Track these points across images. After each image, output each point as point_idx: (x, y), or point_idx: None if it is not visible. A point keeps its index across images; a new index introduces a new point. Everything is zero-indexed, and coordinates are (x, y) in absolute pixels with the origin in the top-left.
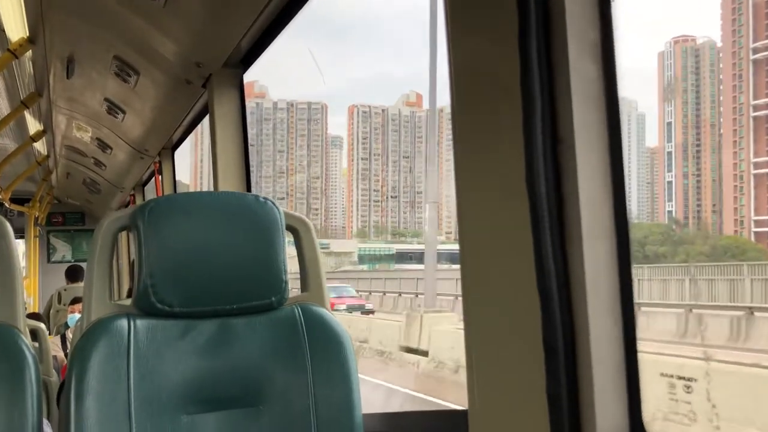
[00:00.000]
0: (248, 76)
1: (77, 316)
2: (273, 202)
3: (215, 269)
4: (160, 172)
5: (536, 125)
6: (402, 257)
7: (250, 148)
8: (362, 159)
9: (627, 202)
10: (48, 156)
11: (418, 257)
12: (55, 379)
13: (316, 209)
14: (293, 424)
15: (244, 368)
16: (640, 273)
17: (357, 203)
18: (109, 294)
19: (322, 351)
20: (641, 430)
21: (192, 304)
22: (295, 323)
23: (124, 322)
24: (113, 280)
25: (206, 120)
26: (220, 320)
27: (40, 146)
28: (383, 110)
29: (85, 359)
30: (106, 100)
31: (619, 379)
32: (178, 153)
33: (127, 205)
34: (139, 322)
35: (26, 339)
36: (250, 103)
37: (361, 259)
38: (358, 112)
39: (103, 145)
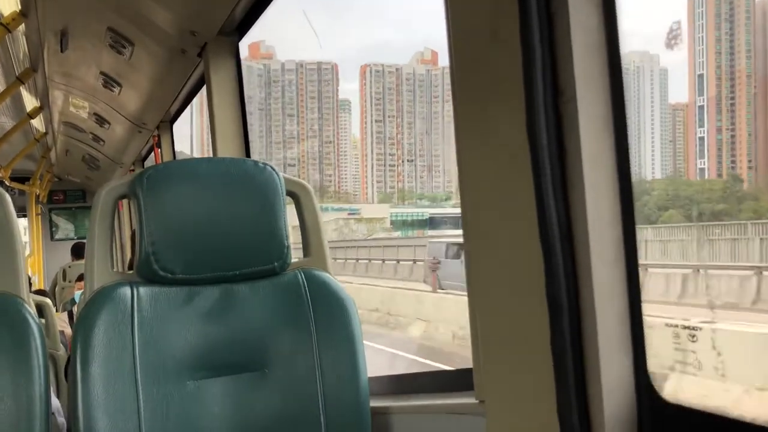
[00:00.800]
0: (253, 37)
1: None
2: (273, 167)
3: (216, 235)
4: (159, 146)
5: (536, 77)
6: (436, 222)
7: (258, 112)
8: (376, 121)
9: (630, 155)
10: (46, 133)
11: (453, 222)
12: (62, 353)
13: (329, 175)
14: (299, 387)
15: (248, 333)
16: (705, 233)
17: (372, 168)
18: (111, 263)
19: (326, 315)
20: (647, 382)
21: (194, 270)
22: (298, 288)
23: (127, 290)
24: (115, 252)
25: (204, 90)
26: (223, 286)
27: (37, 123)
28: (397, 69)
29: (89, 327)
30: (102, 73)
31: (624, 333)
32: (176, 126)
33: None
34: (142, 289)
35: (30, 308)
36: (257, 65)
37: (395, 225)
38: (370, 72)
39: (101, 120)
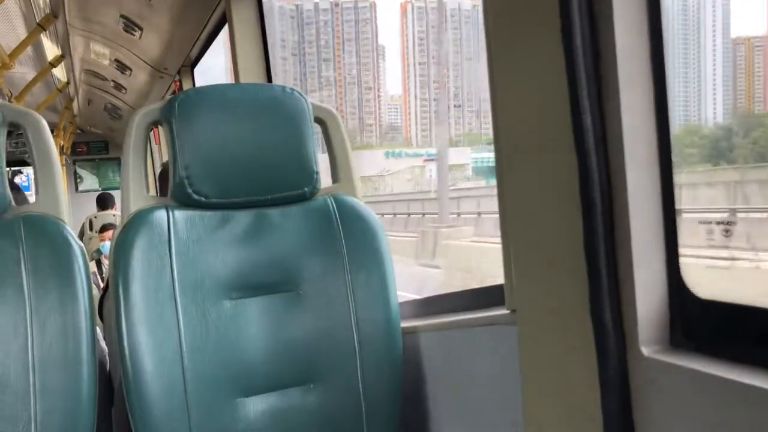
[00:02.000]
0: None
1: (108, 244)
2: (300, 93)
3: (247, 160)
4: (181, 91)
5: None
6: None
7: (291, 57)
8: (420, 64)
9: (665, 53)
10: (68, 82)
11: None
12: (95, 293)
13: (370, 125)
14: (331, 307)
15: (281, 255)
16: None
17: (416, 115)
18: (146, 187)
19: (356, 238)
20: (680, 280)
21: (227, 194)
22: (328, 212)
23: (162, 213)
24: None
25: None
26: (255, 210)
27: (59, 73)
28: (440, 3)
29: (128, 249)
30: (122, 16)
31: (657, 233)
32: (197, 70)
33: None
34: (177, 212)
35: (71, 230)
36: (289, 5)
37: (477, 172)
38: (412, 9)
39: (122, 67)
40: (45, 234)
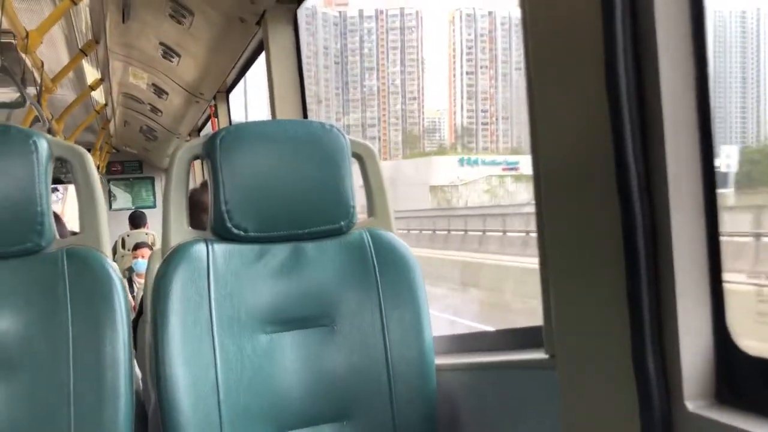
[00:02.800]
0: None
1: (141, 261)
2: (339, 129)
3: (286, 194)
4: (216, 116)
5: (616, 22)
6: None
7: (334, 65)
8: (467, 73)
9: (710, 95)
10: (106, 104)
11: None
12: None
13: (415, 137)
14: (366, 343)
15: (317, 290)
16: None
17: (461, 127)
18: (187, 221)
19: (391, 274)
20: (725, 333)
21: (266, 228)
22: (363, 247)
23: (202, 247)
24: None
25: (260, 60)
26: (292, 244)
27: (98, 95)
28: (490, 12)
29: (168, 282)
30: (161, 43)
31: (702, 283)
32: (232, 96)
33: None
34: (216, 246)
35: (112, 263)
36: (332, 12)
37: None
38: (461, 16)
39: (159, 91)
40: (87, 267)
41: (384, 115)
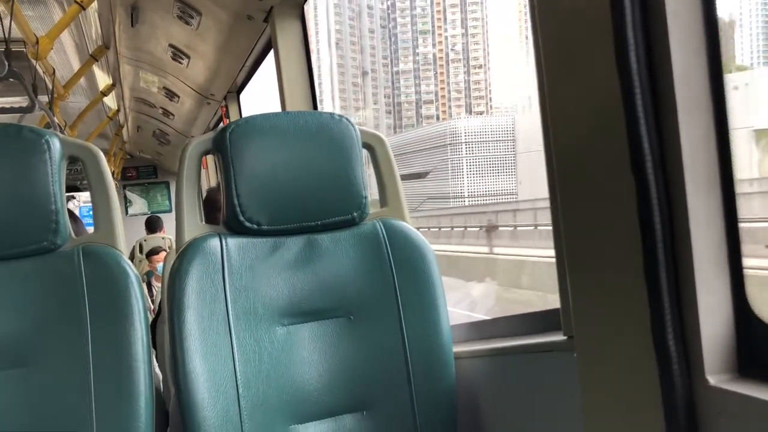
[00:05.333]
0: None
1: (161, 265)
2: (348, 119)
3: (298, 187)
4: (228, 116)
5: (626, 14)
6: None
7: (380, 30)
8: None
9: (723, 71)
10: (118, 110)
11: None
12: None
13: (481, 113)
14: (383, 332)
15: (332, 281)
16: None
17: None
18: (199, 215)
19: (406, 263)
20: (746, 305)
21: (278, 221)
22: (377, 236)
23: (216, 241)
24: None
25: (269, 58)
26: (305, 237)
27: (110, 101)
28: None
29: (183, 276)
30: (171, 46)
31: (720, 257)
32: (243, 95)
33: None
34: (230, 240)
35: (127, 260)
36: None
37: None
38: None
39: (170, 94)
40: (103, 264)
41: (443, 89)
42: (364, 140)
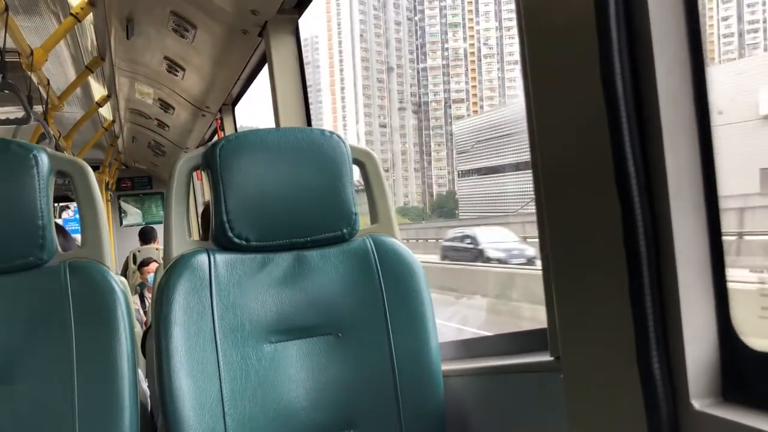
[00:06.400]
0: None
1: (152, 275)
2: (339, 136)
3: (287, 203)
4: (222, 129)
5: (611, 24)
6: None
7: (407, 23)
8: None
9: (708, 93)
10: (113, 121)
11: None
12: (138, 329)
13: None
14: (371, 350)
15: (320, 298)
16: None
17: None
18: (188, 232)
19: (395, 279)
20: (731, 330)
21: (267, 237)
22: (367, 253)
23: (204, 257)
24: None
25: (263, 72)
26: (294, 253)
27: (105, 112)
28: None
29: (170, 293)
30: (166, 58)
31: (705, 281)
32: (238, 108)
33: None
34: (218, 256)
35: (114, 275)
36: None
37: None
38: None
39: (165, 106)
40: (90, 279)
41: (474, 86)
42: (355, 156)
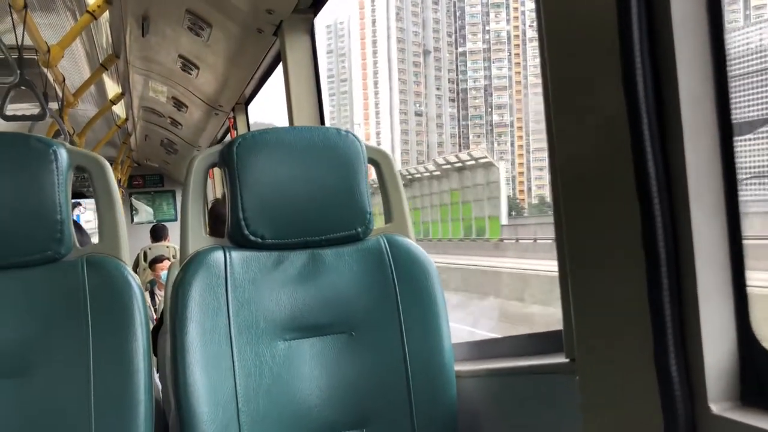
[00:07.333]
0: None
1: (165, 273)
2: (355, 135)
3: (303, 201)
4: (235, 128)
5: (633, 26)
6: None
7: (443, 7)
8: None
9: (730, 96)
10: (127, 119)
11: None
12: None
13: None
14: (385, 349)
15: (334, 296)
16: None
17: None
18: (204, 228)
19: (409, 279)
20: (750, 332)
21: (283, 235)
22: (381, 253)
23: (220, 254)
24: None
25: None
26: (309, 251)
27: (119, 109)
28: None
29: (186, 289)
30: (180, 56)
31: (725, 283)
32: (251, 107)
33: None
34: (234, 253)
35: (131, 271)
36: None
37: None
38: None
39: (179, 104)
40: (107, 275)
41: (518, 73)
42: (370, 156)
